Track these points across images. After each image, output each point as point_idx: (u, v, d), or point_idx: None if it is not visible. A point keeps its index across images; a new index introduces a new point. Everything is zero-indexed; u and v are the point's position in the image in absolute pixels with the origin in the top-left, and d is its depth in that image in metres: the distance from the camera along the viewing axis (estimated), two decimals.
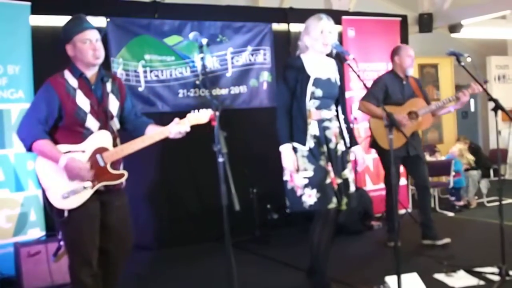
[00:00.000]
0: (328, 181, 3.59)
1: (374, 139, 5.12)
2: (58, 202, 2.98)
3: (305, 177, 3.58)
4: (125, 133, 3.31)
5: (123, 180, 3.14)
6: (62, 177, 2.98)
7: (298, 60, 3.71)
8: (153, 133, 3.16)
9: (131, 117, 3.31)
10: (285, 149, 3.60)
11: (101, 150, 3.05)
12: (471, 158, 7.46)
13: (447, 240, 5.04)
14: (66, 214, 2.99)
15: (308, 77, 3.63)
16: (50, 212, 3.06)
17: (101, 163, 3.04)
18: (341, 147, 3.73)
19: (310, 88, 3.61)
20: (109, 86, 3.17)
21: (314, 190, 3.56)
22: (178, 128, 3.11)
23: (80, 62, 3.04)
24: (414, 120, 4.96)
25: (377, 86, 5.03)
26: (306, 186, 3.58)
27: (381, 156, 5.18)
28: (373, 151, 6.67)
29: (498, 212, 3.93)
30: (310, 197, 3.57)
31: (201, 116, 3.14)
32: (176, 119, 3.15)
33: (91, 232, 3.07)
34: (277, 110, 3.71)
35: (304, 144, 3.60)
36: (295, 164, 3.58)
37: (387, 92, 4.98)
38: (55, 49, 3.17)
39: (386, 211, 5.33)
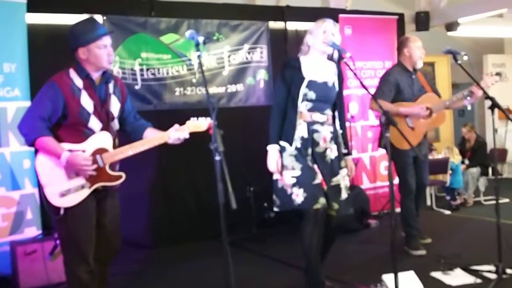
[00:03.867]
0: (316, 181, 3.56)
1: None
2: (55, 200, 3.01)
3: (292, 176, 3.57)
4: (123, 135, 3.35)
5: (120, 181, 3.17)
6: (61, 175, 3.01)
7: (297, 61, 3.70)
8: (153, 138, 3.20)
9: (130, 119, 3.36)
10: (271, 150, 3.61)
11: (101, 151, 3.09)
12: (458, 158, 7.42)
13: (428, 241, 5.06)
14: (62, 211, 3.02)
15: (303, 78, 3.61)
16: (47, 209, 3.09)
17: (100, 164, 3.08)
18: (330, 153, 3.66)
19: (303, 89, 3.60)
20: (111, 87, 3.22)
21: (301, 190, 3.54)
22: (177, 134, 3.15)
23: (92, 65, 3.08)
24: (429, 117, 4.71)
25: (388, 82, 4.75)
26: (294, 185, 3.56)
27: (394, 156, 4.64)
28: (369, 149, 6.74)
29: (495, 210, 3.94)
30: (297, 197, 3.55)
31: (200, 124, 3.17)
32: (176, 125, 3.17)
33: (88, 229, 3.10)
34: (272, 108, 3.71)
35: (290, 144, 3.60)
36: (278, 166, 3.59)
37: (398, 87, 4.74)
38: (66, 45, 3.15)
39: (401, 218, 4.98)
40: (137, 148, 3.14)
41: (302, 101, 3.61)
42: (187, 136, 3.18)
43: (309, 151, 3.60)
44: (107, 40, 3.09)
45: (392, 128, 4.79)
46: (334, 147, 3.69)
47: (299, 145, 3.59)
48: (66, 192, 3.01)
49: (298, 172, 3.56)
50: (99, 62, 3.06)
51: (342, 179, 3.68)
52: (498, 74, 4.65)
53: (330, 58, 3.71)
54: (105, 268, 3.33)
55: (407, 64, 4.85)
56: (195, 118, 3.18)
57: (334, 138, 3.70)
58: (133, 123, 3.35)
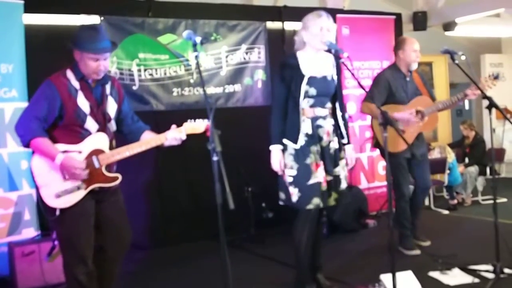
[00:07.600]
0: (311, 181, 3.60)
1: (378, 141, 4.85)
2: (51, 201, 3.01)
3: (290, 175, 3.65)
4: (121, 136, 3.35)
5: (116, 183, 3.17)
6: (56, 176, 3.01)
7: (293, 58, 3.70)
8: (150, 139, 3.22)
9: (127, 121, 3.35)
10: (274, 150, 3.66)
11: (97, 152, 3.09)
12: (451, 156, 7.39)
13: (427, 243, 5.02)
14: (57, 212, 3.02)
15: (303, 76, 3.62)
16: (43, 210, 3.08)
17: (96, 165, 3.08)
18: (333, 145, 3.74)
19: (304, 87, 3.61)
20: (108, 88, 3.23)
21: (296, 189, 3.63)
22: (174, 134, 3.16)
23: (83, 69, 3.08)
24: (420, 121, 4.66)
25: (379, 85, 4.71)
26: (290, 184, 3.65)
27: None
28: (367, 149, 6.74)
29: (492, 210, 3.94)
30: (293, 195, 3.65)
31: (197, 125, 3.19)
32: (173, 126, 3.20)
33: (85, 230, 3.09)
34: (272, 109, 3.73)
35: (295, 142, 3.63)
36: (281, 165, 3.65)
37: (390, 90, 4.69)
38: (63, 46, 3.14)
39: (395, 217, 4.81)
40: (134, 149, 3.14)
41: (304, 98, 3.63)
42: (184, 137, 3.19)
43: (318, 146, 3.65)
44: (102, 56, 3.04)
45: (380, 129, 4.83)
46: (335, 138, 3.76)
47: (303, 143, 3.62)
48: (61, 193, 3.01)
49: (294, 172, 3.63)
50: (87, 70, 3.05)
51: (342, 170, 3.77)
52: (496, 77, 4.59)
53: (328, 50, 3.68)
54: (115, 267, 3.31)
55: (402, 66, 4.81)
56: (193, 120, 3.20)
57: (335, 130, 3.76)
58: (131, 125, 3.35)
